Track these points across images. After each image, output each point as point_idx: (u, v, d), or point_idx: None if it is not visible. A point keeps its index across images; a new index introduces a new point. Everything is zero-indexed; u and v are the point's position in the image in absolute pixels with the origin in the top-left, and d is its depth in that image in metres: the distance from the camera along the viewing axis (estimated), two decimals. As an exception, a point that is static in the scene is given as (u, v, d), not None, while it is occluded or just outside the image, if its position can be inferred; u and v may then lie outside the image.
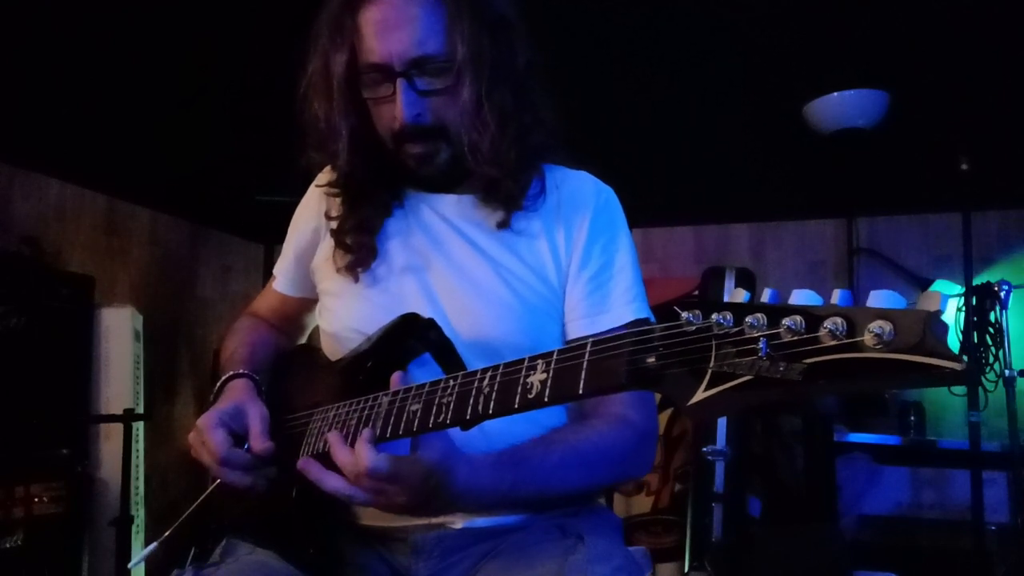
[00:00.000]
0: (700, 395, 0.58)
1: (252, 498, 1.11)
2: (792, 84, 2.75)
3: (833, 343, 0.51)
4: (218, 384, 1.13)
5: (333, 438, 0.89)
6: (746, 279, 3.49)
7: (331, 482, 0.87)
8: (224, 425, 1.01)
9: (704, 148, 3.37)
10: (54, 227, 3.48)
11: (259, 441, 1.00)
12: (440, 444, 0.87)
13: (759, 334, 0.55)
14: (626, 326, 1.09)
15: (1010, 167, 3.46)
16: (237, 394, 1.09)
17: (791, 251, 4.47)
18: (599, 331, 1.08)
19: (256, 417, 1.02)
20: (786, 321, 0.53)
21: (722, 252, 4.53)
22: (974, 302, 3.15)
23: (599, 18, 2.29)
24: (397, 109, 1.05)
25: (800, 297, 0.55)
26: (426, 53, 1.03)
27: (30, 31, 2.27)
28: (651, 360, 0.63)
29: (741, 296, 0.59)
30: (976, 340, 3.13)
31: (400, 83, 1.04)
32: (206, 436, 1.00)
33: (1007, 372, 3.09)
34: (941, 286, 3.94)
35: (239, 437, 1.02)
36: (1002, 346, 3.12)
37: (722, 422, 3.19)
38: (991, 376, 3.12)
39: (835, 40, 2.43)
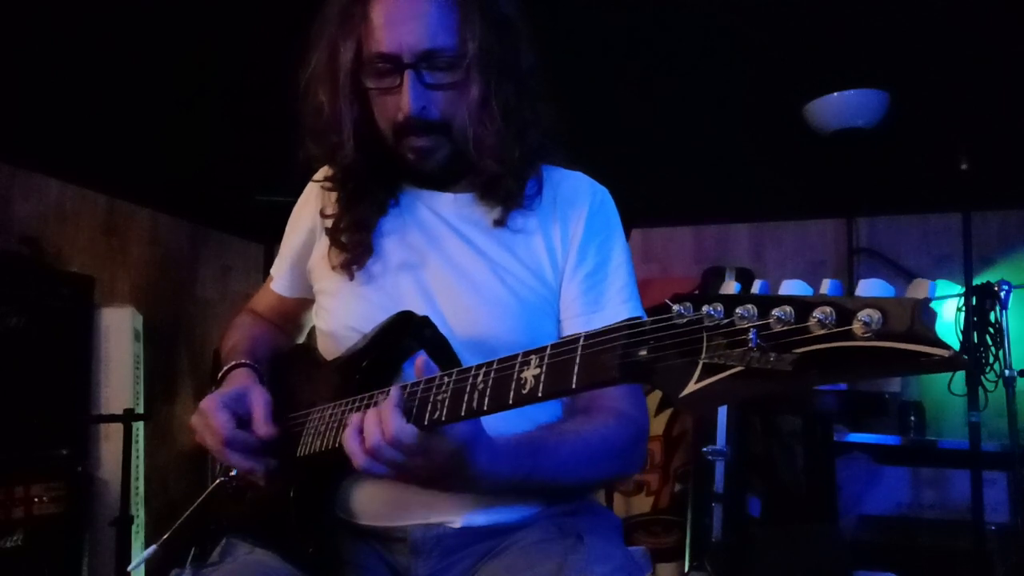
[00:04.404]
0: (692, 387, 0.58)
1: (250, 495, 1.11)
2: (792, 84, 2.75)
3: (823, 332, 0.51)
4: (220, 374, 1.14)
5: (358, 416, 0.86)
6: (746, 279, 3.49)
7: (352, 443, 0.84)
8: (228, 408, 1.02)
9: (704, 148, 3.36)
10: (54, 227, 3.49)
11: (263, 425, 1.01)
12: (468, 424, 0.85)
13: (749, 325, 0.55)
14: None
15: (1010, 167, 3.45)
16: (240, 380, 1.10)
17: (791, 251, 4.47)
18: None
19: (260, 401, 1.03)
20: (776, 311, 0.53)
21: (722, 252, 4.53)
22: (974, 302, 3.14)
23: (599, 18, 2.29)
24: (403, 100, 1.04)
25: (790, 288, 0.55)
26: (437, 47, 1.03)
27: (30, 31, 2.27)
28: (643, 353, 0.63)
29: (732, 288, 0.59)
30: (976, 340, 3.12)
31: (408, 75, 1.04)
32: (210, 417, 1.00)
33: (1007, 372, 3.08)
34: (941, 286, 3.94)
35: (242, 421, 1.02)
36: (1002, 346, 3.11)
37: (722, 422, 3.19)
38: (991, 376, 3.11)
39: (835, 40, 2.43)
